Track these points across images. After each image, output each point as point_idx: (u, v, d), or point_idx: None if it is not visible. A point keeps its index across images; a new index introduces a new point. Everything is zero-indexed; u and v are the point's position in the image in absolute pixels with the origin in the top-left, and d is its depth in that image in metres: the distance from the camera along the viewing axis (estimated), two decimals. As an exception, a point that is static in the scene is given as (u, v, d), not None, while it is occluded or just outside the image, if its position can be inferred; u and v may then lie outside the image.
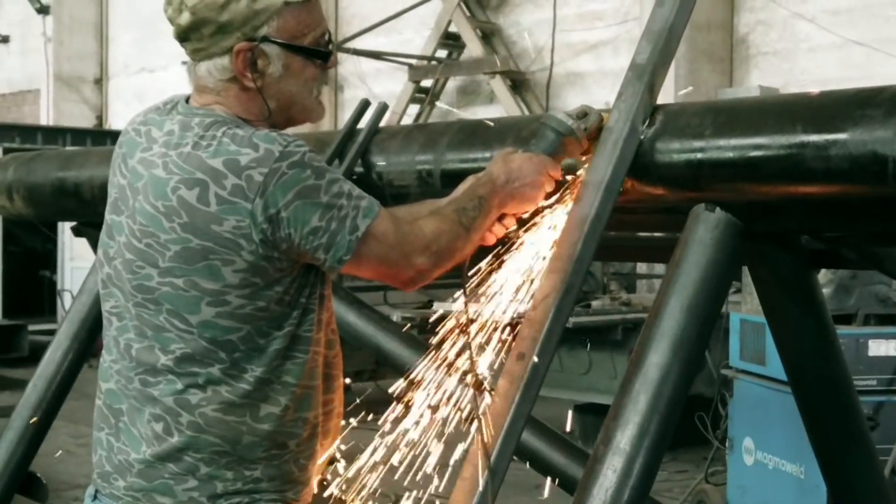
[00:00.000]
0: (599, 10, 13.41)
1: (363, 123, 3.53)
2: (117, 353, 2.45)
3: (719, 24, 12.44)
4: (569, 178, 2.64)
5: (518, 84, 14.22)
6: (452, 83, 15.08)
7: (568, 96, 13.78)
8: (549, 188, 2.62)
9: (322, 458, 2.54)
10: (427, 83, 14.96)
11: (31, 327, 12.78)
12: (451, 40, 14.84)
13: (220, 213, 2.26)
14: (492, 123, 3.10)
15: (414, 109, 15.04)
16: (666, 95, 9.51)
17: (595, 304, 7.90)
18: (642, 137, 2.60)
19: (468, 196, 2.52)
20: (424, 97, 14.99)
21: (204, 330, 2.32)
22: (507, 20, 14.67)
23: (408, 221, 2.41)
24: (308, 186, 2.27)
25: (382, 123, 3.55)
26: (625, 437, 2.43)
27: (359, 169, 3.41)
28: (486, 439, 2.39)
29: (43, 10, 20.89)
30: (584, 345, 7.87)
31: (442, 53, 14.97)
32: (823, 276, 6.08)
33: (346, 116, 6.50)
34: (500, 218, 2.58)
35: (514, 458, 2.45)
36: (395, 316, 8.26)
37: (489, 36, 14.55)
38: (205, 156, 2.29)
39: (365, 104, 3.62)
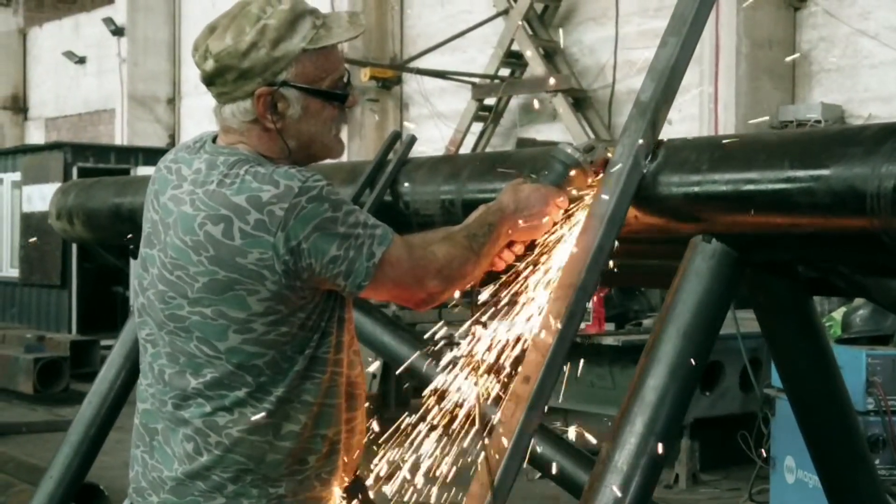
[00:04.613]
0: (661, 27, 13.15)
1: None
2: (152, 377, 2.59)
3: (781, 41, 12.41)
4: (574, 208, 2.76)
5: (580, 102, 14.29)
6: (515, 101, 15.19)
7: (630, 114, 13.80)
8: (555, 218, 2.74)
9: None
10: (490, 101, 15.10)
11: (103, 342, 13.00)
12: (513, 59, 14.98)
13: (245, 246, 2.40)
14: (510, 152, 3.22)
15: (477, 127, 15.18)
16: (728, 115, 9.38)
17: (646, 322, 7.96)
18: (645, 171, 2.70)
19: (479, 223, 2.65)
20: (488, 115, 15.14)
21: (231, 356, 2.45)
22: (570, 38, 14.75)
23: (421, 247, 2.54)
24: (326, 218, 2.40)
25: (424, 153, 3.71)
26: (622, 457, 2.54)
27: (388, 198, 3.57)
28: (491, 458, 2.53)
29: (118, 32, 21.38)
30: (636, 363, 7.91)
31: (505, 72, 15.11)
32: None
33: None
34: (509, 245, 2.71)
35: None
36: (457, 335, 8.32)
37: (551, 54, 14.65)
38: (229, 193, 2.42)
39: (395, 136, 3.79)
